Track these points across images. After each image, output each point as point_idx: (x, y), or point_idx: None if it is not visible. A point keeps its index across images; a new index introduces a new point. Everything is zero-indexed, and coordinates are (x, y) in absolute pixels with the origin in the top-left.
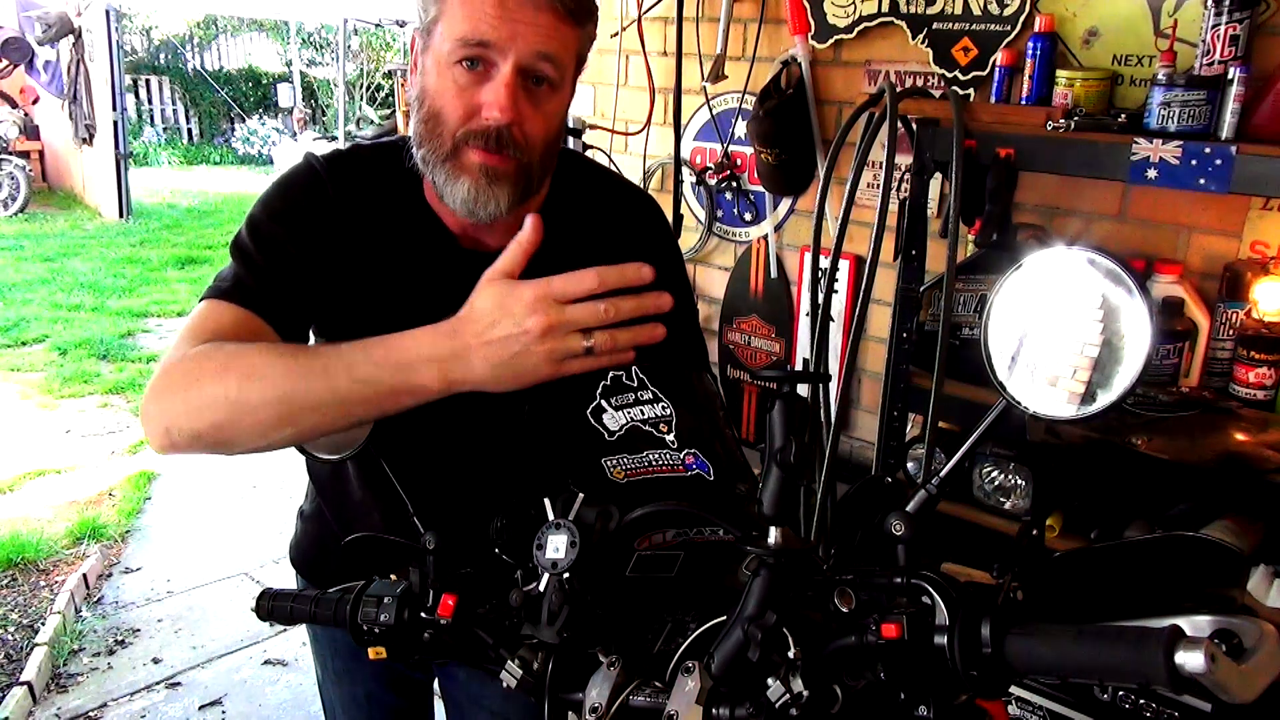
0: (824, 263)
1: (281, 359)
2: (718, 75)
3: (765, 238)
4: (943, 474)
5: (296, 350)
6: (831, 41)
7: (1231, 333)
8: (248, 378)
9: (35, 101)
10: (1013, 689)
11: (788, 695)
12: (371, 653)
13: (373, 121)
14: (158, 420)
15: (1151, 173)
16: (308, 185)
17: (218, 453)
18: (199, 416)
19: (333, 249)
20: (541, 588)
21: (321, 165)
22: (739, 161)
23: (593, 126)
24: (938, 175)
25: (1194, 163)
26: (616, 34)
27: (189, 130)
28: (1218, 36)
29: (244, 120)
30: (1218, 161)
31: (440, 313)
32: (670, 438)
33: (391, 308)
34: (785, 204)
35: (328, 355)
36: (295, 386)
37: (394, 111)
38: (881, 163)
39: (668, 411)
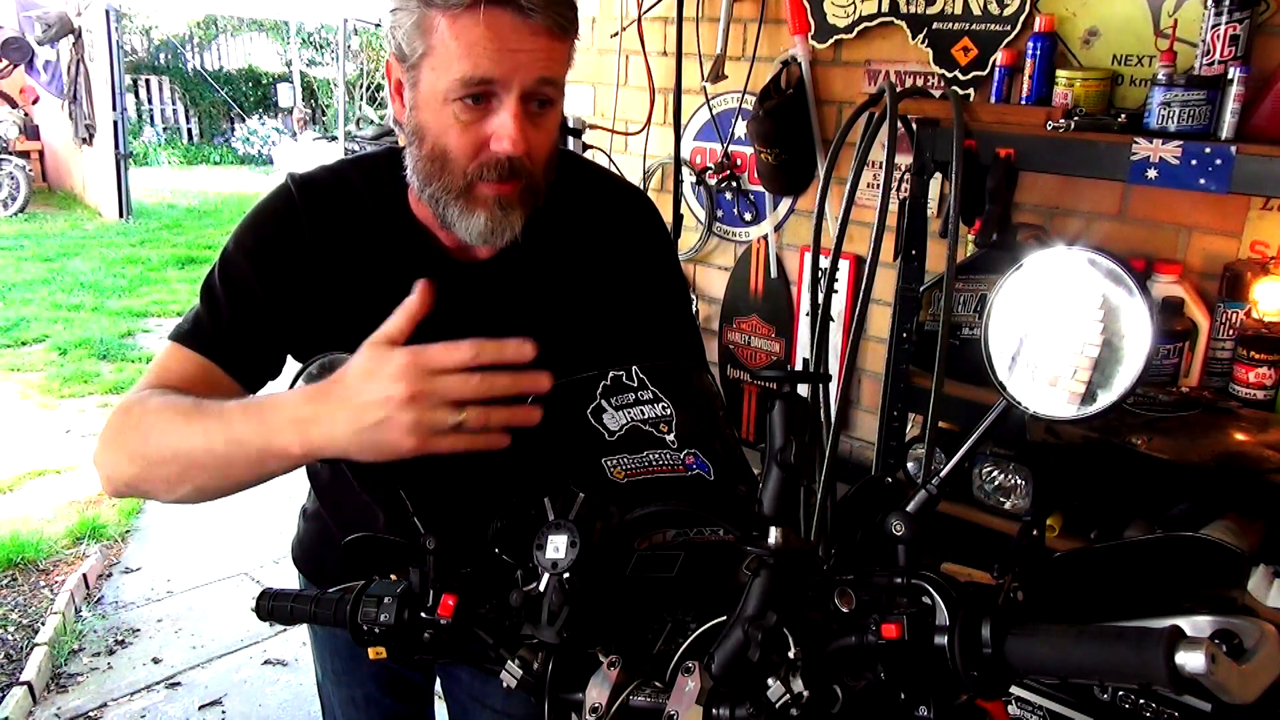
0: (824, 263)
1: (179, 417)
2: (718, 75)
3: (765, 238)
4: (943, 474)
5: (196, 409)
6: (831, 41)
7: (1231, 333)
8: (154, 433)
9: (35, 101)
10: (1013, 689)
11: (788, 695)
12: (371, 653)
13: (373, 121)
14: (100, 467)
15: (1151, 173)
16: (282, 217)
17: (160, 500)
18: (124, 468)
19: (309, 280)
20: (541, 588)
21: (298, 192)
22: (739, 161)
23: (593, 126)
24: (938, 175)
25: (1194, 163)
26: (616, 34)
27: (189, 130)
28: (1218, 36)
29: (244, 120)
30: (1218, 161)
31: (438, 327)
32: (670, 438)
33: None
34: (785, 204)
35: (215, 415)
36: (183, 444)
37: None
38: (881, 163)
39: (668, 411)
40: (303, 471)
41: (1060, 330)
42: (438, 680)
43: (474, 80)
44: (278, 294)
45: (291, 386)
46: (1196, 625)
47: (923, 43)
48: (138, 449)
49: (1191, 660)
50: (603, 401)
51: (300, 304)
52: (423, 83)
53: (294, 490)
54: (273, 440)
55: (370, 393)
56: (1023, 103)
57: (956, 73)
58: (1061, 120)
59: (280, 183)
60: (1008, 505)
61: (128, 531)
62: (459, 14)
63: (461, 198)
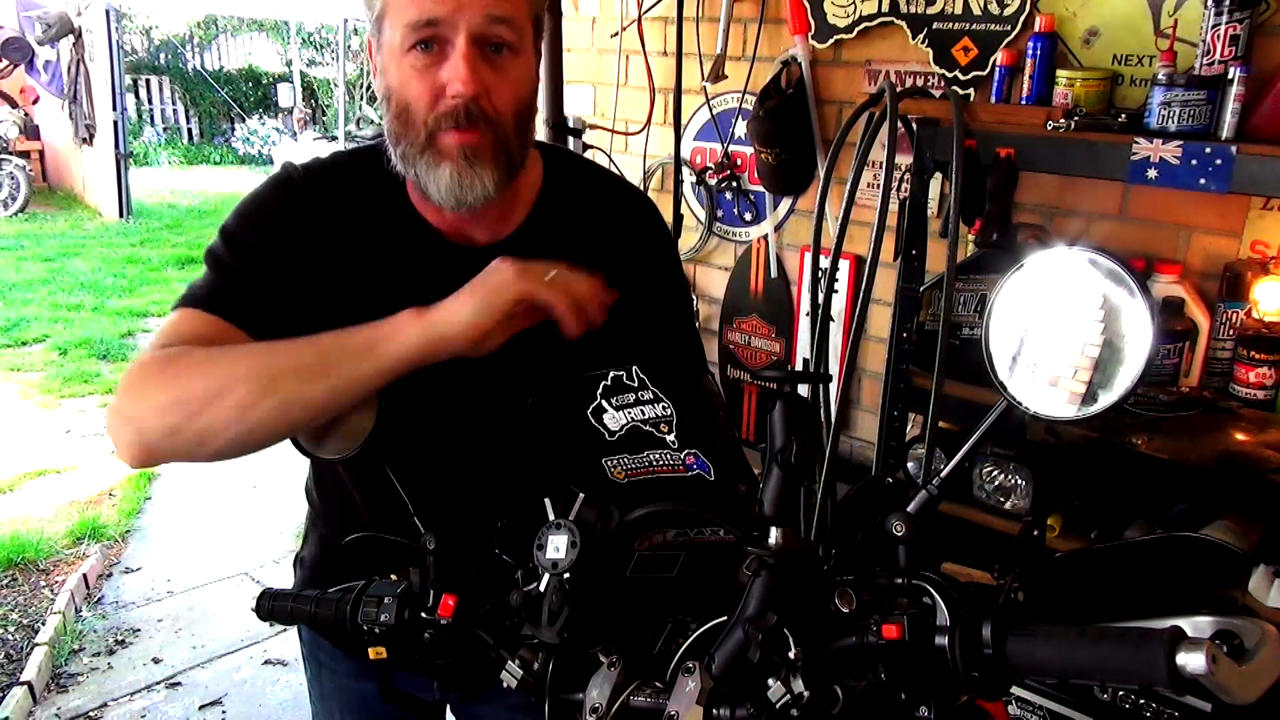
0: (824, 263)
1: (243, 347)
2: (718, 75)
3: (765, 238)
4: (943, 474)
5: (258, 343)
6: (831, 41)
7: (1232, 332)
8: (220, 361)
9: (35, 101)
10: (1013, 689)
11: (788, 696)
12: (372, 653)
13: (373, 121)
14: (128, 424)
15: (1152, 173)
16: (283, 193)
17: (197, 453)
18: (173, 410)
19: (312, 256)
20: (542, 588)
21: (299, 174)
22: (739, 161)
23: (593, 126)
24: (938, 175)
25: (1194, 163)
26: (616, 34)
27: (189, 130)
28: (1218, 36)
29: (244, 120)
30: (1218, 161)
31: None
32: (671, 438)
33: (383, 311)
34: (785, 204)
35: (295, 337)
36: (271, 355)
37: None
38: (881, 163)
39: (668, 411)
40: (303, 471)
41: (1061, 330)
42: None
43: (420, 23)
44: (283, 260)
45: None
46: (1197, 626)
47: (923, 43)
48: (184, 391)
49: (1192, 661)
50: (603, 401)
51: (302, 276)
52: (385, 42)
53: (294, 490)
54: (386, 329)
55: (483, 278)
56: (1023, 103)
57: (956, 73)
58: (1062, 120)
59: (283, 165)
60: (1008, 505)
61: (128, 531)
62: None
63: (426, 150)
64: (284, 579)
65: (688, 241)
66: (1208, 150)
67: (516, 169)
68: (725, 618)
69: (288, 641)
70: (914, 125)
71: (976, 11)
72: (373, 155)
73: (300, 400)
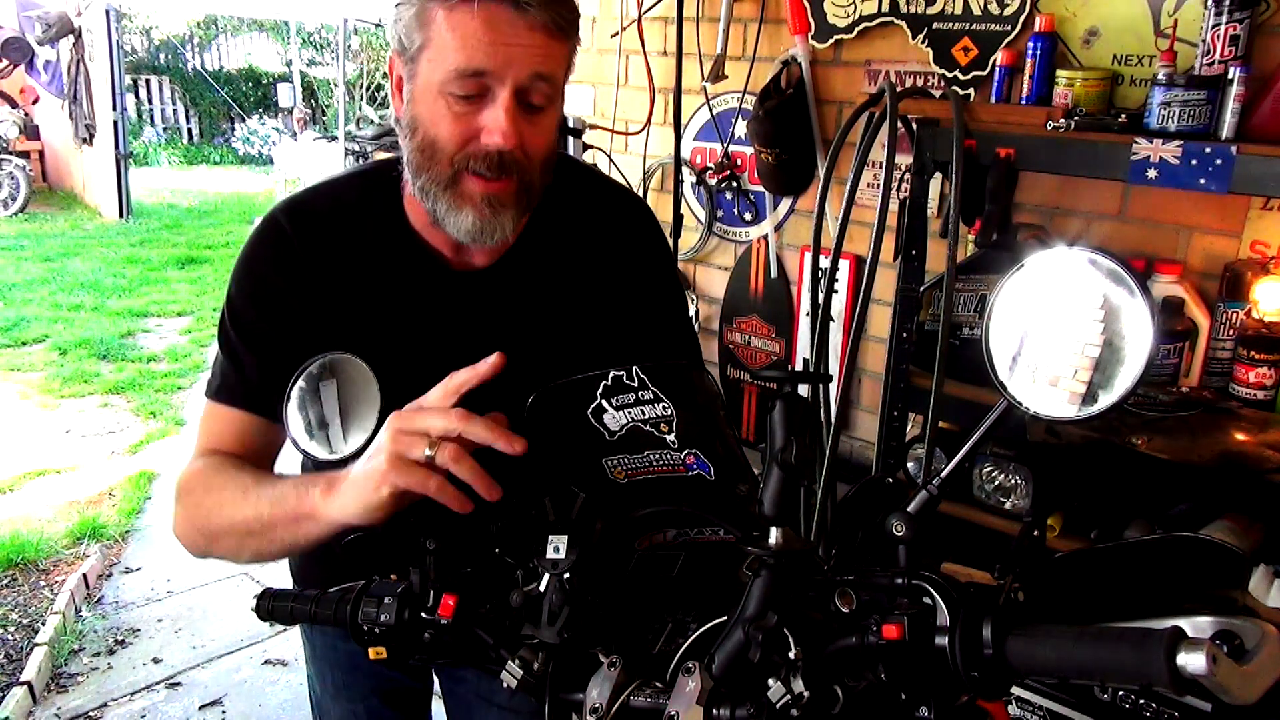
0: (824, 263)
1: (237, 493)
2: (718, 75)
3: (765, 238)
4: (943, 474)
5: (254, 483)
6: (831, 41)
7: (1232, 333)
8: (214, 511)
9: (35, 101)
10: (1013, 689)
11: (788, 696)
12: (371, 653)
13: (373, 121)
14: (179, 539)
15: (1152, 173)
16: (273, 250)
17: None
18: (197, 541)
19: (313, 304)
20: (542, 588)
21: (286, 218)
22: (739, 161)
23: (593, 126)
24: (938, 175)
25: (1194, 163)
26: (616, 34)
27: (189, 130)
28: (1218, 36)
29: (244, 120)
30: (1218, 161)
31: (438, 336)
32: (671, 438)
33: (389, 339)
34: (785, 204)
35: (267, 483)
36: (237, 516)
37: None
38: (881, 163)
39: (668, 411)
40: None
41: (1061, 330)
42: (435, 684)
43: (468, 71)
44: (288, 329)
45: (292, 386)
46: (1197, 626)
47: (923, 43)
48: (203, 525)
49: (1192, 661)
50: (603, 402)
51: (310, 329)
52: (420, 75)
53: None
54: (303, 500)
55: (362, 467)
56: (1023, 103)
57: (956, 73)
58: (1061, 120)
59: (269, 212)
60: (1008, 505)
61: (128, 531)
62: (456, 6)
63: (449, 190)
64: (284, 579)
65: (688, 241)
66: (1208, 150)
67: (533, 206)
68: (725, 618)
69: (288, 641)
70: (914, 125)
71: (976, 11)
72: (366, 178)
73: (266, 553)
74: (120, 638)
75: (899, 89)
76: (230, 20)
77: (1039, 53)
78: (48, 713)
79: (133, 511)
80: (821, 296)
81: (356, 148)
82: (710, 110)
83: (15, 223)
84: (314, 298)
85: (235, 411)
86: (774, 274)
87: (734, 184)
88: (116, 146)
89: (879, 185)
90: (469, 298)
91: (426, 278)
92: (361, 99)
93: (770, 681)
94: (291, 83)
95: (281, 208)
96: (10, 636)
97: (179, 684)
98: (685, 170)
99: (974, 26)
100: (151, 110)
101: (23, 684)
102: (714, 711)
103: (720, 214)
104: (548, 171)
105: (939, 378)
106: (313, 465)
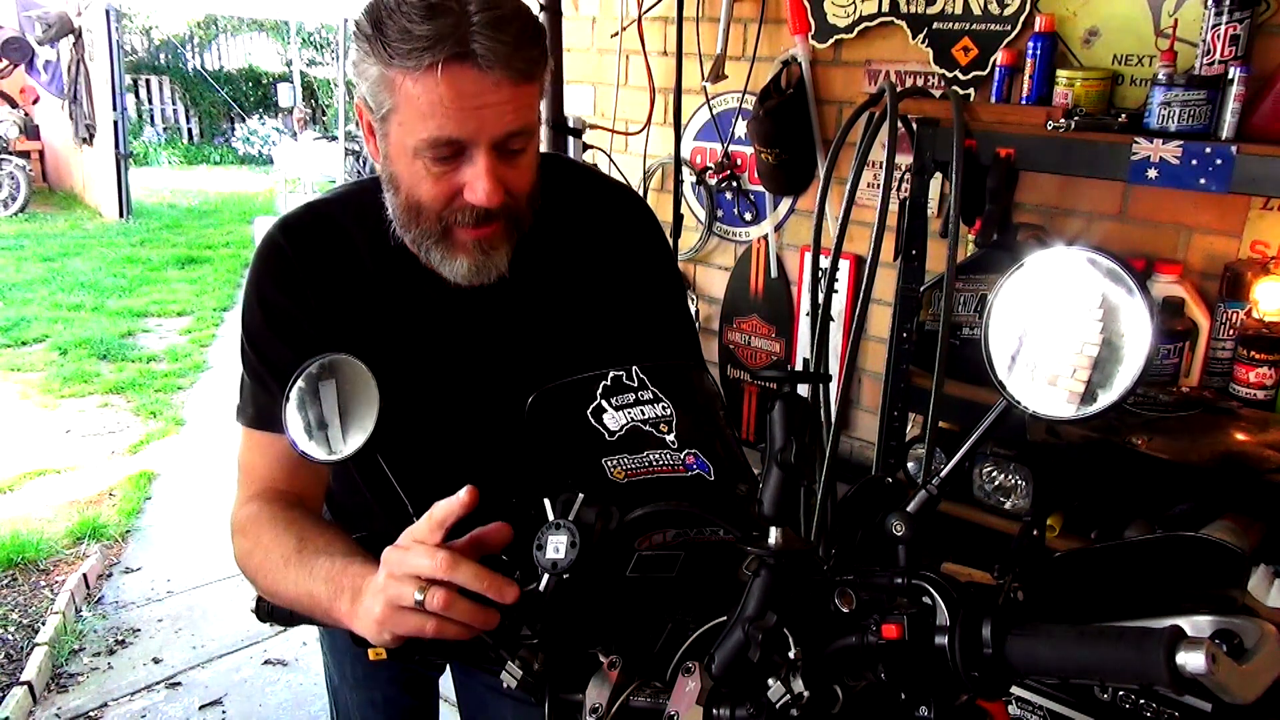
0: (824, 263)
1: (279, 562)
2: (718, 75)
3: (765, 237)
4: (943, 474)
5: (295, 554)
6: (831, 41)
7: (1232, 332)
8: (261, 572)
9: (35, 101)
10: (1013, 689)
11: (788, 696)
12: (371, 653)
13: None
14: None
15: (1152, 173)
16: (275, 269)
17: None
18: (255, 585)
19: (320, 322)
20: (541, 588)
21: (284, 237)
22: (739, 161)
23: (593, 126)
24: (938, 175)
25: (1194, 163)
26: (616, 34)
27: (189, 130)
28: (1218, 36)
29: (244, 120)
30: (1218, 161)
31: (435, 350)
32: (671, 438)
33: (395, 350)
34: (785, 204)
35: (306, 567)
36: (279, 586)
37: None
38: (881, 163)
39: (668, 411)
40: None
41: (1060, 330)
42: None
43: (440, 141)
44: (302, 348)
45: (292, 384)
46: (1197, 625)
47: (923, 43)
48: (251, 577)
49: (1192, 660)
50: (603, 401)
51: (321, 345)
52: (392, 136)
53: None
54: (332, 605)
55: (372, 584)
56: (1023, 103)
57: (957, 73)
58: (1062, 120)
59: (266, 234)
60: (1008, 505)
61: (128, 531)
62: (419, 74)
63: (441, 243)
64: None
65: (688, 241)
66: (1208, 150)
67: (525, 230)
68: (725, 618)
69: (288, 641)
70: (914, 125)
71: (976, 11)
72: (359, 197)
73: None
74: (120, 638)
75: (899, 89)
76: (230, 20)
77: (1039, 53)
78: (48, 713)
79: (133, 511)
80: (821, 296)
81: (356, 148)
82: (710, 110)
83: (15, 223)
84: (320, 314)
85: (269, 436)
86: (774, 274)
87: (734, 184)
88: (116, 146)
89: (879, 185)
90: (465, 312)
91: (422, 294)
92: None
93: (770, 681)
94: (291, 83)
95: (278, 227)
96: (10, 636)
97: (179, 684)
98: (685, 170)
99: (974, 26)
100: (151, 110)
101: (23, 684)
102: (714, 711)
103: (720, 214)
104: (535, 196)
105: (939, 378)
106: (310, 460)
